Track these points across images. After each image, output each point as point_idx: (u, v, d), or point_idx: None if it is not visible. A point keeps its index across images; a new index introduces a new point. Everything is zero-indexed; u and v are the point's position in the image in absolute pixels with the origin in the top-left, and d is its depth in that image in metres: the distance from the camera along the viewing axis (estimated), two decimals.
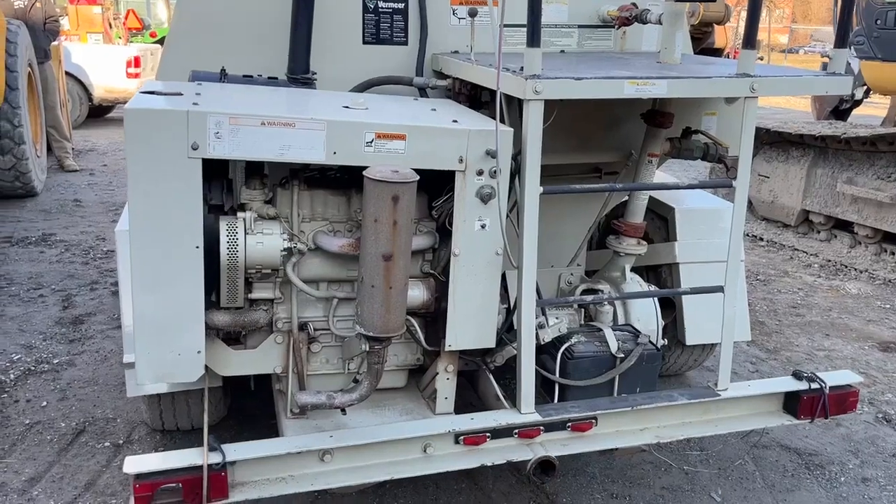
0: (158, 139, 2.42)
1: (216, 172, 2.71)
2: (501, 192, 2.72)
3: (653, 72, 3.04)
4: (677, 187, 3.88)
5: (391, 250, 2.49)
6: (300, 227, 2.87)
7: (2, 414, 4.01)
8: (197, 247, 2.54)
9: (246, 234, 2.66)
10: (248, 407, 3.96)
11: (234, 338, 2.96)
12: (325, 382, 3.10)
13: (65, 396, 4.22)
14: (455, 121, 2.77)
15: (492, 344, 2.98)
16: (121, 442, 3.78)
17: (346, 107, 2.82)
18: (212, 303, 2.84)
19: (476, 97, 3.44)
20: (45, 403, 4.13)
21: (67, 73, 11.93)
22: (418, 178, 2.48)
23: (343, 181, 2.97)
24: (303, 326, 2.99)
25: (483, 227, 2.81)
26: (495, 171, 2.75)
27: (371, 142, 2.61)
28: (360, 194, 2.87)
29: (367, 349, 2.62)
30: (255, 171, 2.80)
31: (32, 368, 4.52)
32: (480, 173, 2.75)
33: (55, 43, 10.18)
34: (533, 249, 2.85)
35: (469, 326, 2.91)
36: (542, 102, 2.72)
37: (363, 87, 3.46)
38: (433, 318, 3.03)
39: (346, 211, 2.95)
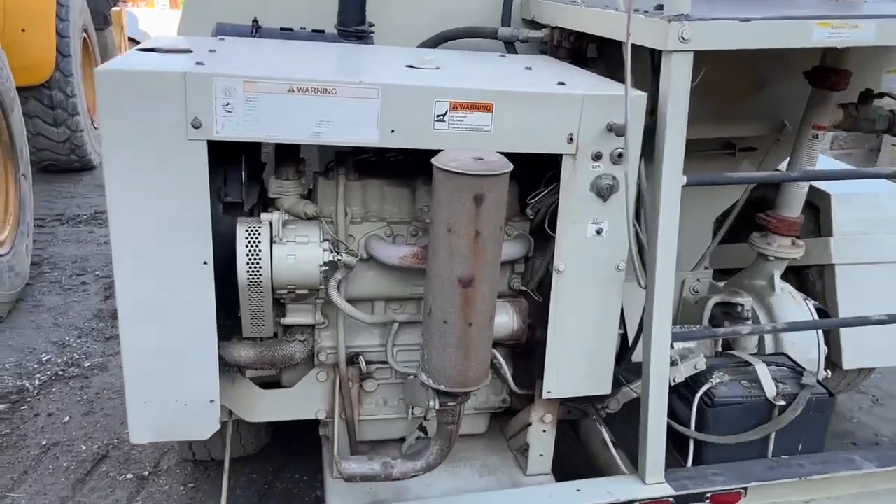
0: (143, 114, 1.71)
1: (231, 157, 1.99)
2: (630, 183, 1.90)
3: (837, 9, 2.14)
4: (878, 175, 2.94)
5: (471, 272, 1.72)
6: (348, 231, 2.13)
7: (18, 432, 3.48)
8: (205, 263, 1.84)
9: (273, 242, 1.93)
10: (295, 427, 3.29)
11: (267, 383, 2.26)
12: (383, 429, 2.39)
13: (91, 410, 3.67)
14: (561, 83, 1.96)
15: (607, 390, 2.20)
16: (146, 473, 3.19)
17: (410, 66, 2.05)
18: (232, 330, 2.15)
19: (580, 52, 2.61)
20: (67, 419, 3.59)
21: (132, 40, 11.54)
22: (511, 167, 1.70)
23: (407, 167, 2.22)
24: (353, 359, 2.27)
25: (599, 232, 2.01)
26: (620, 155, 1.94)
27: (444, 115, 1.84)
28: (429, 185, 2.12)
29: (437, 406, 1.88)
30: (288, 154, 2.07)
31: (61, 373, 4.00)
32: (598, 157, 1.94)
33: (116, 8, 9.73)
34: (669, 263, 2.03)
35: (576, 367, 2.13)
36: (690, 55, 1.88)
37: (434, 43, 2.68)
38: (525, 351, 2.26)
39: (409, 208, 2.19)
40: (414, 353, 2.32)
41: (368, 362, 2.28)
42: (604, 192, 1.95)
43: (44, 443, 3.40)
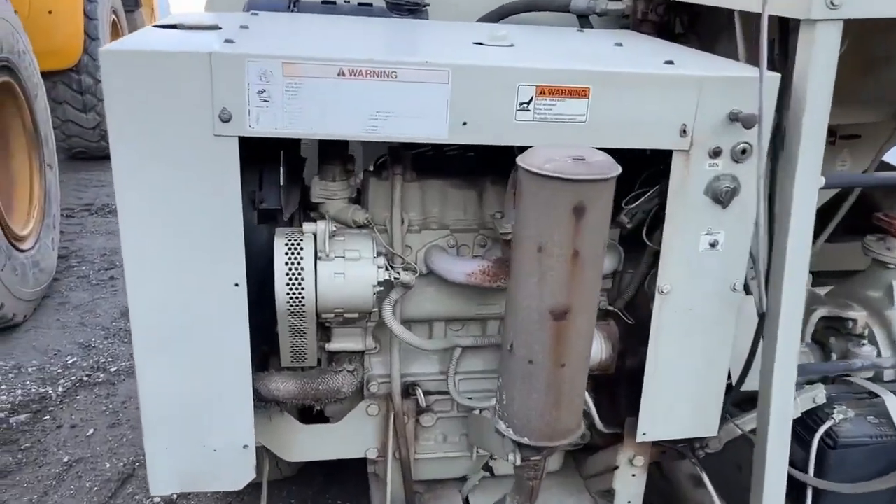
0: (159, 105, 1.38)
1: (267, 154, 1.66)
2: (759, 184, 1.53)
3: None
4: None
5: (567, 302, 1.37)
6: (405, 241, 1.79)
7: (39, 446, 3.22)
8: (236, 284, 1.52)
9: (317, 258, 1.60)
10: None
11: (306, 407, 1.94)
12: (441, 468, 2.06)
13: (117, 421, 3.40)
14: (669, 62, 1.59)
15: (714, 432, 1.84)
16: (174, 496, 2.90)
17: (479, 44, 1.69)
18: (268, 358, 1.84)
19: (667, 27, 2.23)
20: (91, 431, 3.32)
21: None
22: (619, 170, 1.34)
23: (472, 164, 1.87)
24: (408, 389, 1.94)
25: (713, 244, 1.64)
26: (744, 151, 1.56)
27: (528, 102, 1.48)
28: (500, 186, 1.77)
29: (518, 462, 1.54)
30: (334, 150, 1.73)
31: (86, 378, 3.74)
32: (716, 154, 1.56)
33: None
34: (799, 282, 1.66)
35: (678, 405, 1.77)
36: (839, 25, 1.50)
37: (496, 17, 2.31)
38: (612, 381, 1.91)
39: (476, 213, 1.85)
40: (479, 381, 1.98)
41: (426, 393, 1.95)
42: (722, 196, 1.58)
43: (66, 459, 3.14)
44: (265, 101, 1.41)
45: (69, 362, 3.90)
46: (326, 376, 1.79)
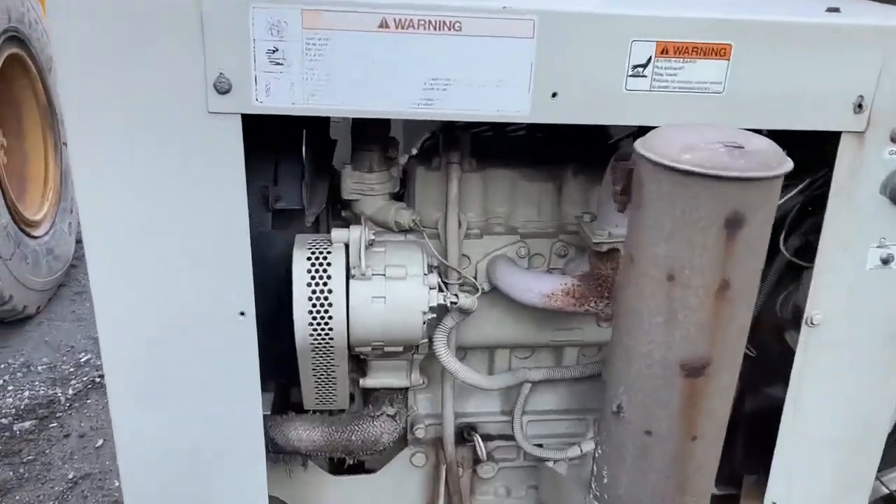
0: (128, 72, 0.98)
1: (285, 138, 1.26)
2: None
3: None
4: None
5: (707, 353, 0.96)
6: (462, 250, 1.38)
7: (43, 458, 2.91)
8: (242, 313, 1.13)
9: (350, 276, 1.20)
10: None
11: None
12: None
13: None
14: (833, 9, 1.14)
15: (865, 499, 1.41)
16: None
17: None
18: (286, 396, 1.46)
19: None
20: (100, 443, 3.01)
21: None
22: (791, 163, 0.91)
23: (549, 147, 1.45)
24: (464, 433, 1.54)
25: (886, 261, 1.21)
26: None
27: (645, 65, 1.05)
28: (587, 177, 1.36)
29: None
30: (372, 131, 1.32)
31: (99, 380, 3.42)
32: None
33: None
34: None
35: (823, 468, 1.35)
36: None
37: None
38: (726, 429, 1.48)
39: (553, 213, 1.43)
40: (552, 423, 1.58)
41: (485, 437, 1.55)
42: None
43: (71, 475, 2.82)
44: (278, 64, 1.01)
45: (82, 360, 3.59)
46: (361, 423, 1.39)
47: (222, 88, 1.00)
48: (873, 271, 1.21)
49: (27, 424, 3.10)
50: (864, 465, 1.36)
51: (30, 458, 2.91)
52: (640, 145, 0.94)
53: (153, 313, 1.11)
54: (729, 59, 1.06)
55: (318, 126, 1.41)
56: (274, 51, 1.00)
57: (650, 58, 1.05)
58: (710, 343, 0.96)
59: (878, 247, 1.19)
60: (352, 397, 1.52)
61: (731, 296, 0.93)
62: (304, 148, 1.29)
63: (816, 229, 1.31)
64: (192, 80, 1.00)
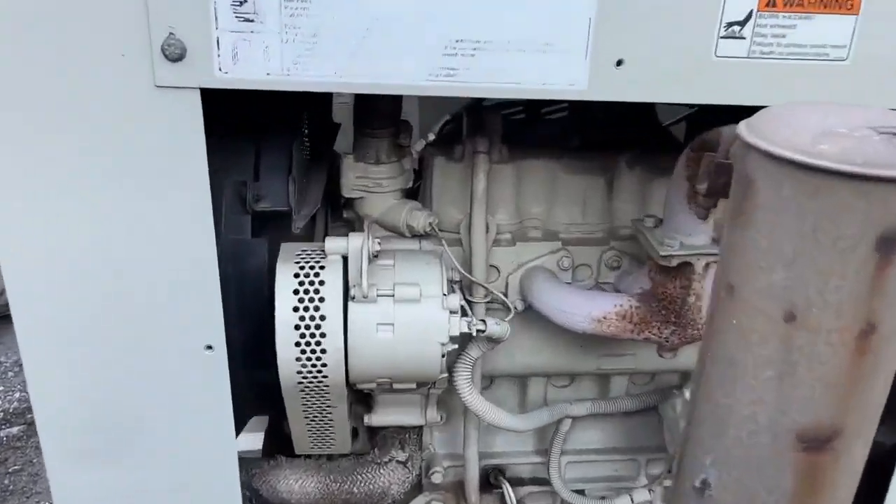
0: (45, 33, 0.72)
1: (267, 119, 1.00)
2: None
3: None
4: None
5: (839, 420, 0.69)
6: (490, 259, 1.12)
7: (31, 468, 2.71)
8: (209, 347, 0.88)
9: (350, 297, 0.94)
10: None
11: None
12: None
13: None
14: None
15: None
16: None
17: None
18: (281, 426, 1.21)
19: None
20: None
21: None
22: None
23: (596, 132, 1.18)
24: (490, 477, 1.29)
25: None
26: None
27: (743, 22, 0.78)
28: (645, 169, 1.09)
29: None
30: (379, 111, 1.06)
31: None
32: None
33: None
34: None
35: None
36: None
37: None
38: None
39: (603, 213, 1.16)
40: (595, 465, 1.32)
41: (515, 481, 1.30)
42: None
43: None
44: (247, 20, 0.74)
45: None
46: (365, 471, 1.14)
47: (173, 54, 0.74)
48: None
49: (15, 430, 2.89)
50: None
51: (16, 467, 2.69)
52: (747, 130, 0.67)
53: (94, 352, 0.86)
54: (857, 14, 0.79)
55: (314, 105, 1.15)
56: (242, 2, 0.74)
57: (751, 12, 0.78)
58: (842, 407, 0.69)
59: None
60: (355, 432, 1.27)
61: (877, 344, 0.66)
62: (295, 133, 1.02)
63: None
64: (132, 44, 0.74)
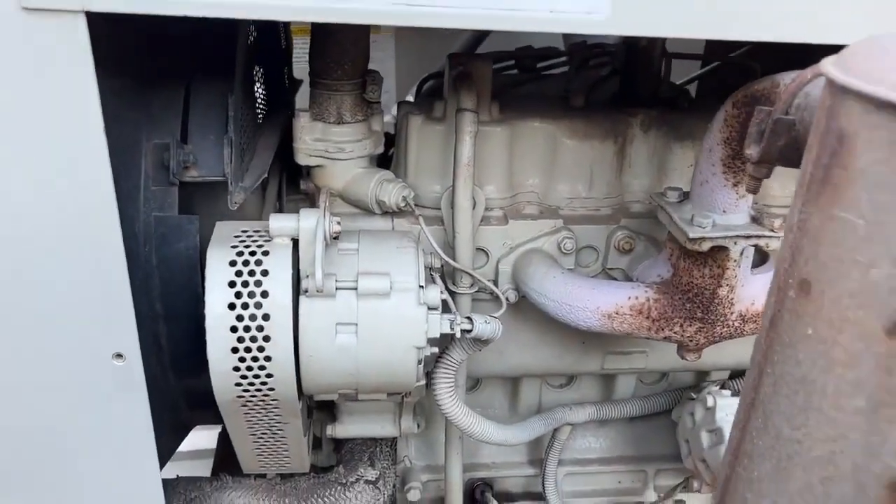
0: None
1: (202, 62, 0.80)
2: None
3: None
4: None
5: None
6: (477, 241, 0.92)
7: None
8: (119, 355, 0.68)
9: (303, 291, 0.74)
10: None
11: None
12: None
13: None
14: None
15: None
16: None
17: None
18: (224, 450, 1.02)
19: None
20: None
21: None
22: None
23: (602, 87, 0.99)
24: (475, 493, 1.11)
25: None
26: None
27: None
28: (664, 133, 0.90)
29: None
30: (336, 55, 0.85)
31: None
32: None
33: None
34: None
35: None
36: None
37: None
38: None
39: (614, 185, 0.97)
40: (597, 476, 1.15)
41: (504, 496, 1.12)
42: None
43: None
44: None
45: None
46: (328, 493, 0.95)
47: None
48: None
49: None
50: None
51: None
52: (838, 69, 0.48)
53: None
54: None
55: (264, 43, 0.95)
56: None
57: None
58: None
59: None
60: (318, 442, 1.08)
61: None
62: (236, 79, 0.82)
63: None
64: None
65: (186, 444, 1.02)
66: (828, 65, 0.50)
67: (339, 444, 1.05)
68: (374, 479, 0.97)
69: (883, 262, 0.48)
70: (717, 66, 1.19)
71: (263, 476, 0.97)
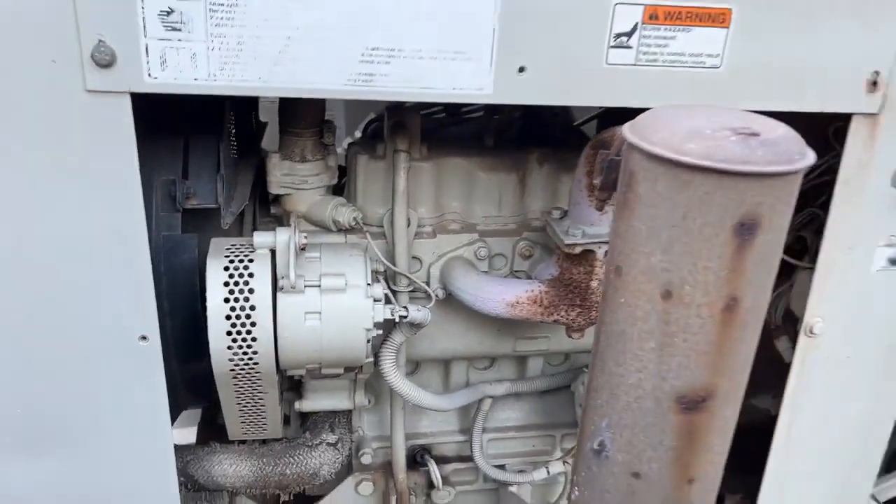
0: None
1: (197, 119, 1.05)
2: None
3: None
4: None
5: (710, 383, 0.79)
6: (412, 251, 1.19)
7: None
8: (143, 337, 0.93)
9: (279, 288, 1.00)
10: None
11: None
12: None
13: None
14: None
15: None
16: None
17: None
18: (215, 415, 1.26)
19: None
20: None
21: None
22: (814, 155, 0.74)
23: (509, 131, 1.27)
24: (416, 457, 1.37)
25: (894, 262, 1.07)
26: None
27: (630, 33, 0.87)
28: (553, 167, 1.19)
29: None
30: (303, 112, 1.12)
31: None
32: None
33: None
34: None
35: (820, 482, 1.22)
36: None
37: None
38: None
39: (516, 207, 1.25)
40: (514, 441, 1.42)
41: (440, 459, 1.38)
42: None
43: None
44: (175, 29, 0.79)
45: None
46: (297, 454, 1.20)
47: (103, 60, 0.79)
48: (880, 273, 1.06)
49: None
50: (861, 479, 1.24)
51: None
52: (629, 131, 0.76)
53: (31, 345, 0.90)
54: (728, 27, 0.89)
55: (242, 104, 1.20)
56: (169, 12, 0.79)
57: (636, 25, 0.87)
58: (712, 372, 0.79)
59: (887, 245, 1.05)
60: (287, 419, 1.33)
61: (740, 316, 0.77)
62: (223, 132, 1.07)
63: (809, 224, 1.17)
64: (63, 50, 0.78)
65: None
66: (626, 126, 0.78)
67: (304, 419, 1.30)
68: (334, 442, 1.22)
69: (656, 252, 0.76)
70: (606, 110, 1.48)
71: (244, 442, 1.21)
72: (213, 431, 1.29)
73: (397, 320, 1.07)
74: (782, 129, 0.75)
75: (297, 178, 1.13)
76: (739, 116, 0.76)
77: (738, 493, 1.36)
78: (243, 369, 1.01)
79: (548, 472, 1.35)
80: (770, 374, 1.18)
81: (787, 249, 1.17)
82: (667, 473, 0.84)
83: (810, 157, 0.73)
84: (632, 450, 0.84)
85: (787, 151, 0.72)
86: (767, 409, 1.35)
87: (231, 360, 0.99)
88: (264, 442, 1.22)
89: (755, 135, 0.72)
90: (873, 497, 1.44)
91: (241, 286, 0.98)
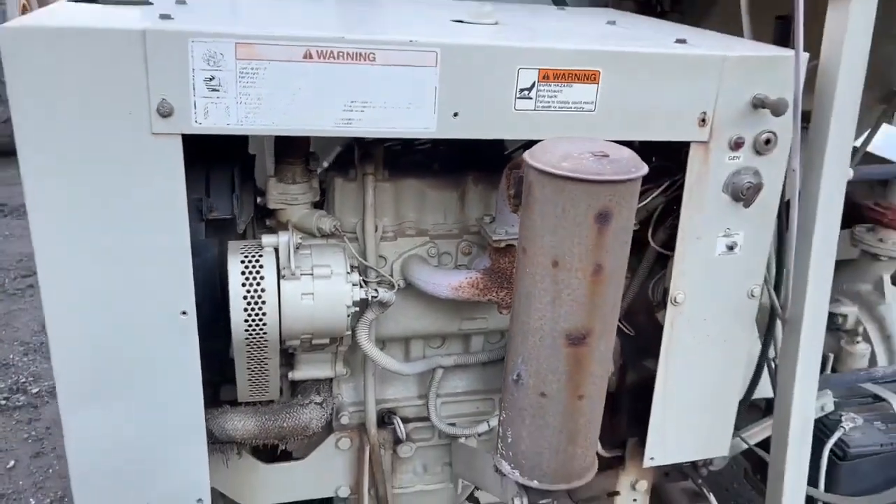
0: (78, 95, 1.10)
1: (215, 153, 1.40)
2: (795, 177, 1.36)
3: None
4: None
5: (587, 324, 1.17)
6: (378, 251, 1.55)
7: None
8: (184, 313, 1.26)
9: (281, 276, 1.34)
10: None
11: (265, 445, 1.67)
12: (423, 502, 1.83)
13: (41, 451, 3.07)
14: (681, 41, 1.40)
15: (726, 451, 1.67)
16: None
17: (460, 21, 1.46)
18: (218, 390, 1.58)
19: (649, 4, 2.05)
20: (12, 463, 2.98)
21: None
22: (646, 168, 1.14)
23: (450, 159, 1.64)
24: (384, 418, 1.71)
25: (731, 248, 1.47)
26: (768, 141, 1.39)
27: (530, 88, 1.26)
28: (484, 185, 1.56)
29: None
30: (293, 146, 1.47)
31: (4, 402, 3.36)
32: (738, 146, 1.38)
33: None
34: (824, 285, 1.50)
35: (690, 426, 1.60)
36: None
37: None
38: (611, 399, 1.71)
39: (457, 216, 1.62)
40: (462, 404, 1.77)
41: (404, 419, 1.72)
42: (743, 193, 1.40)
43: None
44: (214, 90, 1.15)
45: None
46: (292, 411, 1.54)
47: (164, 112, 1.13)
48: (721, 256, 1.46)
49: None
50: (720, 425, 1.62)
51: None
52: (528, 156, 1.15)
53: (101, 318, 1.22)
54: (598, 83, 1.28)
55: (239, 141, 1.54)
56: (211, 79, 1.14)
57: (534, 82, 1.26)
58: (588, 316, 1.16)
59: (724, 236, 1.45)
60: (281, 390, 1.65)
61: (604, 277, 1.15)
62: (234, 161, 1.42)
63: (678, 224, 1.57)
64: (138, 105, 1.12)
65: None
66: (526, 153, 1.16)
67: (294, 388, 1.63)
68: (320, 402, 1.56)
69: (547, 236, 1.13)
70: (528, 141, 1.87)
71: (250, 404, 1.54)
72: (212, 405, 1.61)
73: (370, 300, 1.43)
74: (626, 152, 1.14)
75: (289, 196, 1.48)
76: (598, 144, 1.15)
77: (637, 437, 1.73)
78: (255, 339, 1.34)
79: (488, 426, 1.71)
80: (657, 341, 1.56)
81: (664, 244, 1.56)
82: (563, 392, 1.21)
83: (643, 170, 1.12)
84: (538, 376, 1.21)
85: (627, 166, 1.11)
86: (655, 369, 1.73)
87: (246, 331, 1.33)
88: (265, 403, 1.55)
89: (606, 156, 1.11)
90: (742, 440, 1.84)
91: (253, 275, 1.32)
